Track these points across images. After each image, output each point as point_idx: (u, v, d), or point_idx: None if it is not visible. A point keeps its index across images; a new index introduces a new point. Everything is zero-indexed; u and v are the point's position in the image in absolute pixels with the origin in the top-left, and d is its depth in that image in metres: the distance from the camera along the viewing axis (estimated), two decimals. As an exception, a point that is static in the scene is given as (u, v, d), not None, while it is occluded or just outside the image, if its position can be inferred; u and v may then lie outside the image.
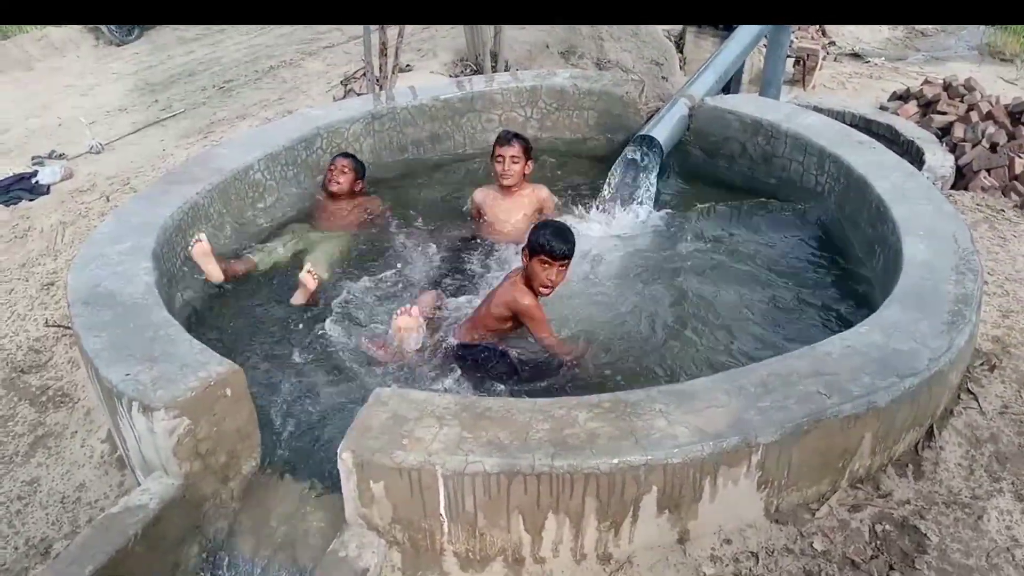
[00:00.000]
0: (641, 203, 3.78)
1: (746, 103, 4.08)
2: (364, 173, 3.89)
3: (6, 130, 6.86)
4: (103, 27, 9.30)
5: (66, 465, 2.73)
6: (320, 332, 3.00)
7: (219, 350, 2.30)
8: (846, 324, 2.70)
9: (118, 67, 8.72)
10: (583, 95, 4.44)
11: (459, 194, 4.08)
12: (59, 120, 7.01)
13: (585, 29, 6.83)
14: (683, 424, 1.97)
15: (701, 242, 3.53)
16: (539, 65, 6.41)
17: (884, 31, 9.50)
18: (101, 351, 2.29)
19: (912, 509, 2.17)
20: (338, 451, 1.95)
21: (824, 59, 7.87)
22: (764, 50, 5.96)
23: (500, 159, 3.61)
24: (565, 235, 2.77)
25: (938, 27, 9.87)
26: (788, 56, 6.41)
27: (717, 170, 4.08)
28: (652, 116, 4.17)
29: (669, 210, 3.81)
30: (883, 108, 5.88)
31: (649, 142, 3.82)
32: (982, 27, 9.41)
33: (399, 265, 3.44)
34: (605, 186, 3.91)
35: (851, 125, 4.06)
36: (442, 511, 1.96)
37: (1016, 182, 4.41)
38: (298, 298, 3.20)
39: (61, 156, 5.98)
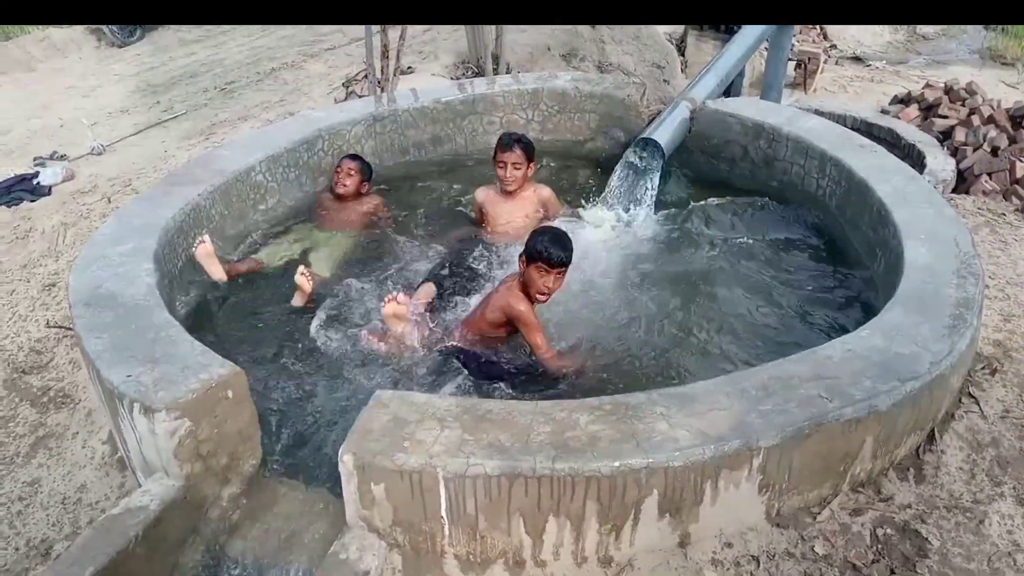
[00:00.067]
0: (642, 206, 3.78)
1: (747, 106, 4.08)
2: (371, 175, 3.89)
3: (8, 131, 6.86)
4: (105, 28, 9.29)
5: (67, 466, 2.73)
6: (321, 333, 3.00)
7: (220, 352, 2.31)
8: (847, 328, 2.71)
9: (120, 68, 8.73)
10: (584, 98, 4.44)
11: (460, 196, 4.09)
12: (61, 121, 7.02)
13: (586, 32, 6.82)
14: (684, 427, 1.97)
15: (702, 245, 3.53)
16: (540, 68, 6.41)
17: (885, 35, 9.50)
18: (102, 352, 2.29)
19: (913, 513, 2.17)
20: (339, 453, 1.95)
21: (825, 62, 7.88)
22: (765, 53, 5.98)
23: (502, 164, 3.59)
24: (563, 242, 2.72)
25: (939, 31, 9.85)
26: (789, 59, 6.43)
27: (718, 173, 4.07)
28: (653, 119, 4.17)
29: (670, 212, 3.81)
30: (884, 112, 5.88)
31: (651, 145, 3.83)
32: (983, 31, 9.41)
33: (401, 265, 3.45)
34: (606, 189, 3.91)
35: (852, 129, 4.05)
36: (443, 513, 1.96)
37: (1017, 186, 4.40)
38: (297, 300, 3.21)
39: (63, 157, 5.98)
